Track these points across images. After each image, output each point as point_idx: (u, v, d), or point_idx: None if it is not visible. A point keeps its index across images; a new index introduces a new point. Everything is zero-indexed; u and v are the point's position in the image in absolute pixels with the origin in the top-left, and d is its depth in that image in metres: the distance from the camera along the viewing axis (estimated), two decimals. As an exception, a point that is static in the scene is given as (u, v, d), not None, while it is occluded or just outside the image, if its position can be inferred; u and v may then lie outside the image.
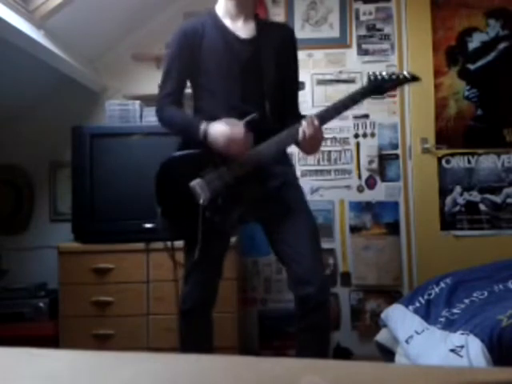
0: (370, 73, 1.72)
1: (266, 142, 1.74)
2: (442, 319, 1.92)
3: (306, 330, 1.77)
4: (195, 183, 1.75)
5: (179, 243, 1.86)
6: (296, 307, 1.77)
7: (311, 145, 1.75)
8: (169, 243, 1.89)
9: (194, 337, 1.90)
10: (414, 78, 1.72)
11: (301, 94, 2.93)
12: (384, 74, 1.71)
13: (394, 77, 1.71)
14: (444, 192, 2.88)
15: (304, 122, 1.70)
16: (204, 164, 1.75)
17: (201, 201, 1.73)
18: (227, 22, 1.85)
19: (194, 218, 1.72)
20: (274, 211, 1.81)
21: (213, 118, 1.76)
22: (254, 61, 1.82)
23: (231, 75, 1.80)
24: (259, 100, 1.80)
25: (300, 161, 2.91)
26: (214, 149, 1.71)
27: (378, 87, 1.72)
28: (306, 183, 2.91)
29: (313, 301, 1.71)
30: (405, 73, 1.73)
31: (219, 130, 1.69)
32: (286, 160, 1.91)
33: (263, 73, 1.82)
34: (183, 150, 1.81)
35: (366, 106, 2.89)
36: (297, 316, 1.78)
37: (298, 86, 2.01)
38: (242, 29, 1.84)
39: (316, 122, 1.70)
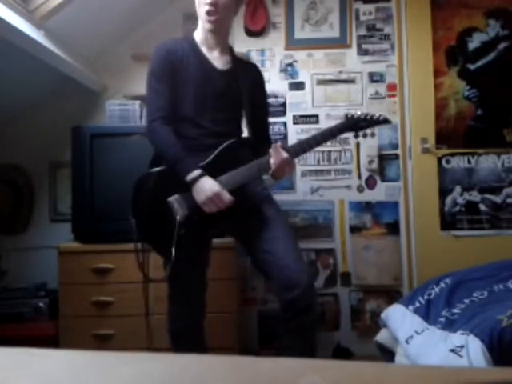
0: (348, 112, 1.88)
1: (243, 167, 1.79)
2: (442, 319, 1.92)
3: (294, 331, 1.77)
4: (173, 199, 1.77)
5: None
6: (282, 311, 1.77)
7: (279, 174, 1.82)
8: (138, 245, 1.87)
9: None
10: (385, 121, 1.87)
11: (301, 93, 2.96)
12: (359, 113, 1.84)
13: (368, 117, 1.84)
14: (444, 192, 2.88)
15: (272, 156, 1.76)
16: (182, 180, 1.76)
17: (177, 217, 1.74)
18: (204, 50, 1.91)
19: (169, 233, 1.74)
20: (250, 226, 1.84)
21: (182, 137, 1.80)
22: (230, 90, 1.89)
23: (206, 102, 1.85)
24: (234, 124, 1.91)
25: (300, 161, 2.91)
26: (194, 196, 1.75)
27: (354, 125, 1.84)
28: (306, 183, 2.92)
29: (301, 303, 1.72)
30: (378, 115, 1.86)
31: (207, 188, 1.72)
32: (260, 179, 1.95)
33: (240, 101, 1.91)
34: (157, 163, 1.83)
35: (366, 105, 2.90)
36: (283, 319, 1.78)
37: (267, 118, 2.10)
38: (218, 59, 1.91)
39: (284, 155, 1.76)
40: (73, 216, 2.53)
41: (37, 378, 0.50)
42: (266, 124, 2.08)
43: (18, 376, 0.51)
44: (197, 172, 1.74)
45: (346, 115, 1.85)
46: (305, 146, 1.84)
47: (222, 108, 1.87)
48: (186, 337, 1.94)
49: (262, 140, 1.98)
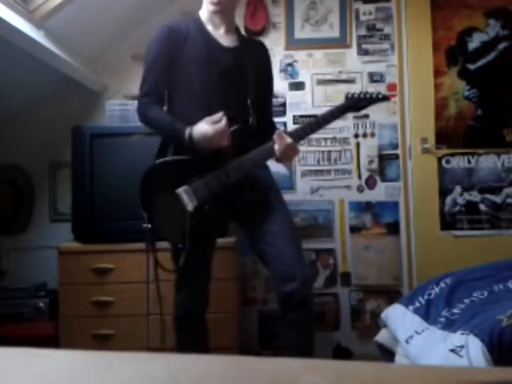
0: (347, 92, 1.90)
1: (249, 154, 1.81)
2: (442, 319, 1.92)
3: (289, 327, 1.78)
4: (182, 190, 1.78)
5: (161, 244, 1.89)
6: (280, 305, 1.79)
7: (284, 159, 1.87)
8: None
9: (190, 341, 1.94)
10: (384, 98, 1.90)
11: (301, 93, 2.95)
12: (359, 92, 1.86)
13: (368, 96, 1.86)
14: (444, 192, 2.88)
15: (277, 142, 1.78)
16: (190, 171, 1.78)
17: (188, 208, 1.74)
18: (210, 29, 1.90)
19: (180, 224, 1.75)
20: (256, 215, 1.85)
21: (189, 120, 1.79)
22: (236, 69, 1.89)
23: (211, 80, 1.85)
24: (239, 106, 1.88)
25: (300, 161, 2.91)
26: (200, 149, 1.75)
27: (354, 105, 1.86)
28: (306, 183, 2.92)
29: (297, 297, 1.73)
30: (376, 93, 1.89)
31: (202, 130, 1.74)
32: (265, 166, 1.97)
33: (246, 81, 1.90)
34: (163, 154, 1.84)
35: (366, 105, 2.89)
36: (280, 313, 1.79)
37: (272, 98, 2.14)
38: (224, 37, 1.91)
39: (288, 140, 1.78)
40: (73, 216, 2.53)
41: (37, 378, 0.50)
42: (270, 104, 2.10)
43: (18, 376, 0.51)
44: (189, 129, 1.75)
45: (346, 95, 1.87)
46: (307, 130, 1.86)
47: (229, 86, 1.86)
48: (188, 324, 1.95)
49: (265, 122, 1.99)
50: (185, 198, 1.77)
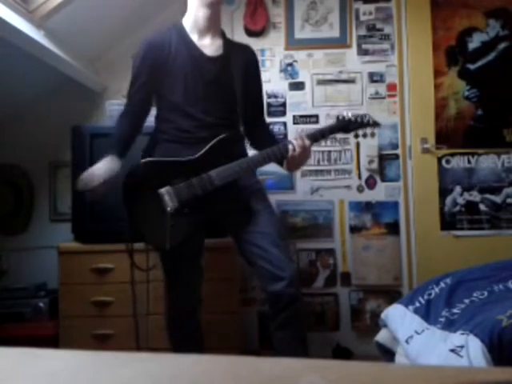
0: (339, 114, 1.91)
1: (235, 162, 1.80)
2: (442, 319, 1.91)
3: (281, 328, 1.79)
4: (164, 190, 1.78)
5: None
6: (270, 306, 1.81)
7: (297, 163, 1.86)
8: (129, 244, 1.89)
9: (183, 340, 1.96)
10: (375, 124, 1.92)
11: (301, 93, 2.95)
12: (350, 115, 1.88)
13: (358, 119, 1.88)
14: (444, 192, 2.88)
15: (294, 141, 1.80)
16: (175, 173, 1.79)
17: (168, 208, 1.75)
18: (194, 38, 1.90)
19: (161, 225, 1.76)
20: (239, 219, 1.86)
21: (176, 129, 1.84)
22: (221, 78, 1.89)
23: (196, 90, 1.86)
24: (226, 113, 1.90)
25: (300, 161, 2.90)
26: None
27: (345, 127, 1.89)
28: (306, 183, 2.92)
29: (285, 296, 1.74)
30: (368, 118, 1.91)
31: (93, 168, 1.83)
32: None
33: (233, 89, 1.90)
34: (149, 152, 1.88)
35: (366, 105, 2.90)
36: (271, 314, 1.81)
37: (263, 101, 2.12)
38: (209, 46, 1.91)
39: (306, 142, 1.80)
40: (73, 216, 2.53)
41: (37, 378, 0.50)
42: (261, 107, 2.09)
43: (19, 376, 0.51)
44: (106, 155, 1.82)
45: (337, 117, 1.89)
46: (319, 137, 1.91)
47: (214, 97, 1.88)
48: (180, 325, 1.96)
49: (257, 125, 2.01)
50: (166, 198, 1.78)
